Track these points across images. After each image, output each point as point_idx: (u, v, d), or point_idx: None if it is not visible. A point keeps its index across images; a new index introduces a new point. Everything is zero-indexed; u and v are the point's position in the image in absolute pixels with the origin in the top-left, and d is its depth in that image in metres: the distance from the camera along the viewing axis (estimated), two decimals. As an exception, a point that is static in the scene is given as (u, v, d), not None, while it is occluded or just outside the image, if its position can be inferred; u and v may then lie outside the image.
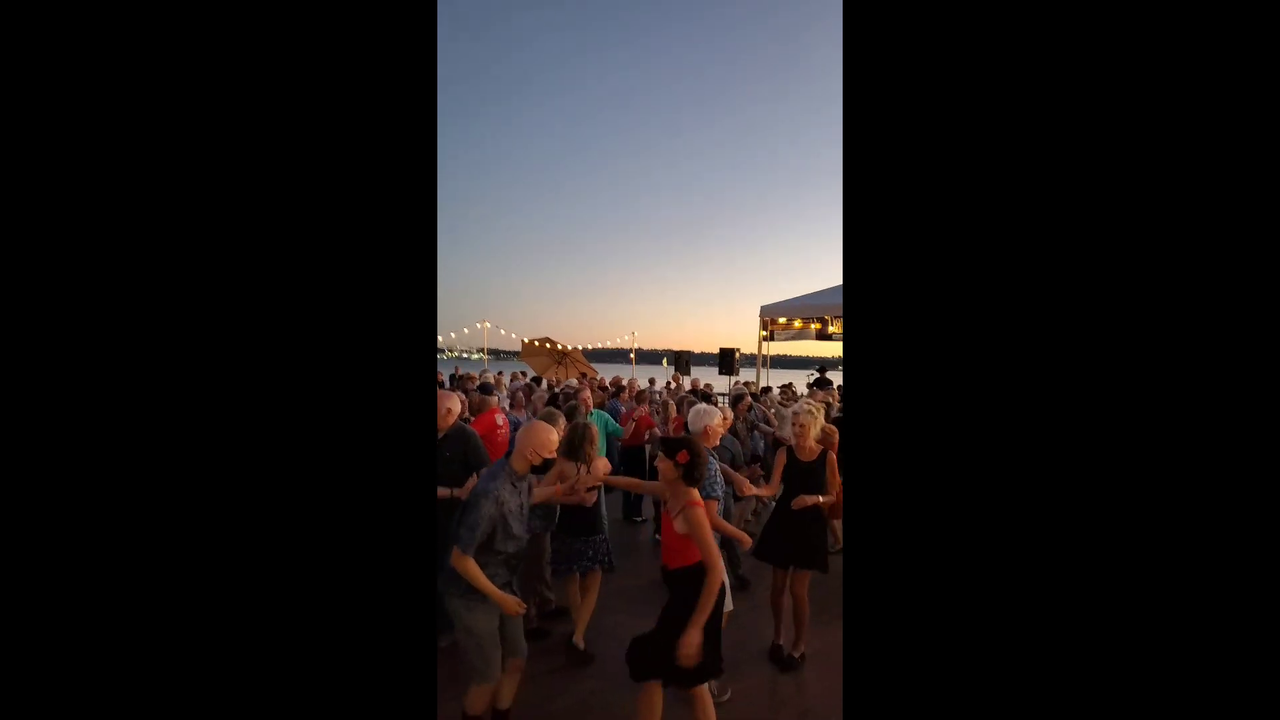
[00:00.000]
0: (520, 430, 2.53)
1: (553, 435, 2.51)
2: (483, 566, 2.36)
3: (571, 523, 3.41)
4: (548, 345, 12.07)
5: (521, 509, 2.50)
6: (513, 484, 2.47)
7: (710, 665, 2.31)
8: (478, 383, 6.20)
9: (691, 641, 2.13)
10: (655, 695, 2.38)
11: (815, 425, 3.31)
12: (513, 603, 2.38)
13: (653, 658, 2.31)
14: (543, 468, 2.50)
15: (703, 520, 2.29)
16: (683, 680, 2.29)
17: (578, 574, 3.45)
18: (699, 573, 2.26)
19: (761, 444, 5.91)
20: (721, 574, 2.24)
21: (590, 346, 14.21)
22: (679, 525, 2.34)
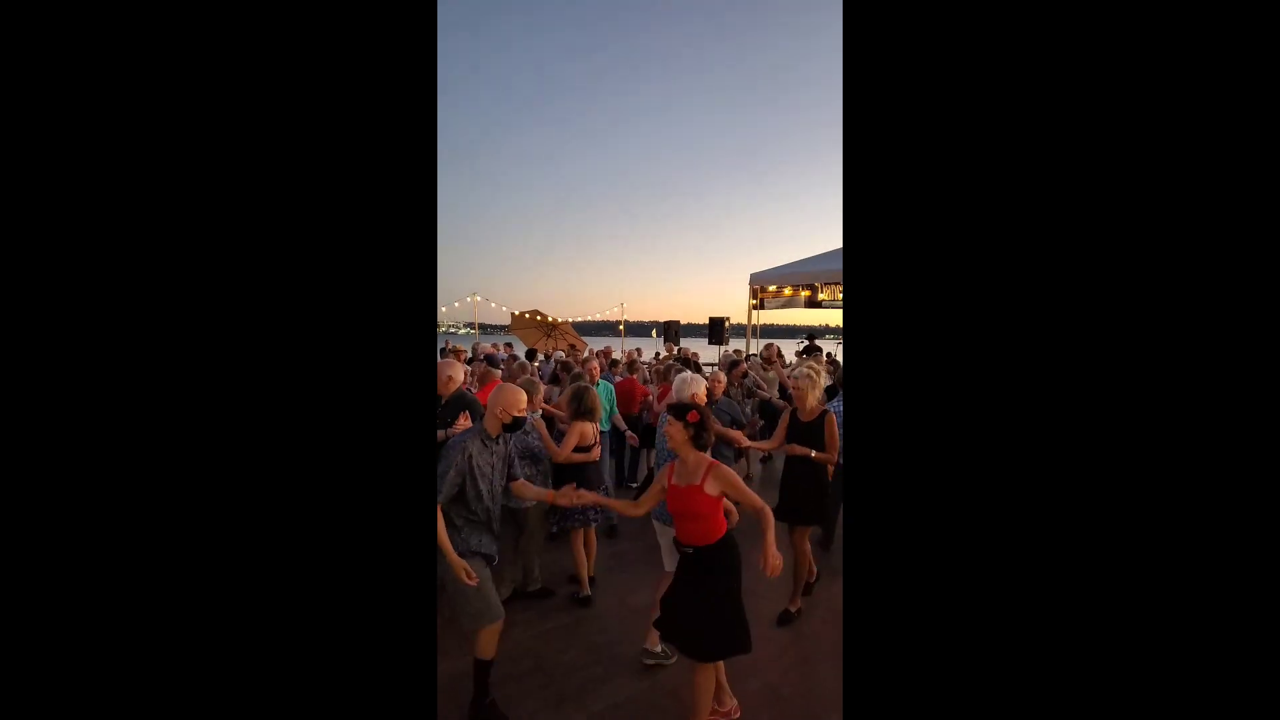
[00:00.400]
0: (491, 393, 2.59)
1: (521, 396, 2.57)
2: (458, 527, 2.45)
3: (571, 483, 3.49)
4: (537, 317, 12.03)
5: (494, 471, 2.55)
6: (483, 442, 2.52)
7: (737, 641, 2.34)
8: (466, 356, 6.22)
9: (773, 556, 2.13)
10: (707, 672, 2.40)
11: (815, 388, 3.38)
12: (461, 568, 2.37)
13: (686, 631, 2.36)
14: (512, 426, 2.56)
15: (731, 473, 2.34)
16: (707, 656, 2.33)
17: (580, 530, 3.60)
18: (724, 547, 2.34)
19: (749, 406, 6.01)
20: (770, 514, 2.28)
21: (579, 319, 14.14)
22: (711, 487, 2.33)
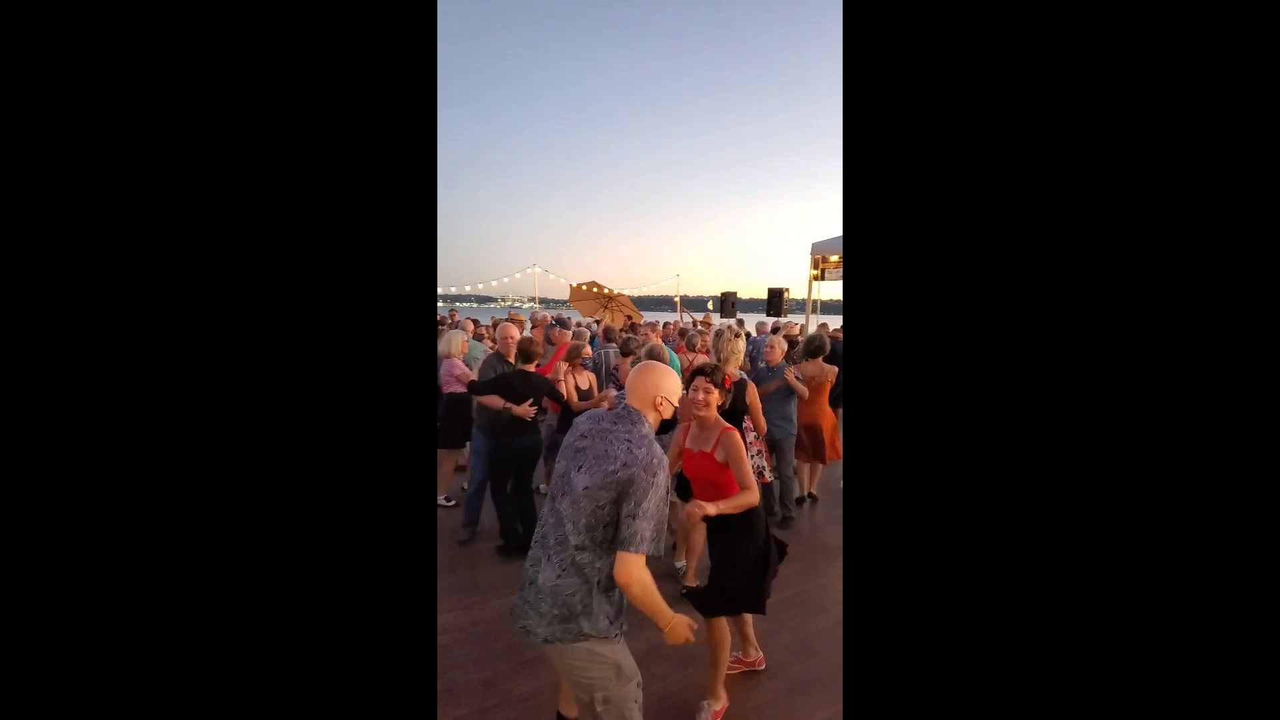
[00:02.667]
0: (634, 375, 1.75)
1: (676, 378, 1.78)
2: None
3: None
4: (595, 289, 12.18)
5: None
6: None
7: (750, 599, 2.34)
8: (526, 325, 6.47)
9: (696, 513, 1.97)
10: (720, 625, 2.38)
11: (736, 356, 3.35)
12: (684, 625, 1.66)
13: (706, 596, 2.36)
14: (672, 422, 1.94)
15: (738, 443, 2.25)
16: (708, 611, 2.32)
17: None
18: (741, 518, 2.27)
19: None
20: (757, 497, 2.19)
21: (637, 292, 14.24)
22: (719, 454, 2.26)
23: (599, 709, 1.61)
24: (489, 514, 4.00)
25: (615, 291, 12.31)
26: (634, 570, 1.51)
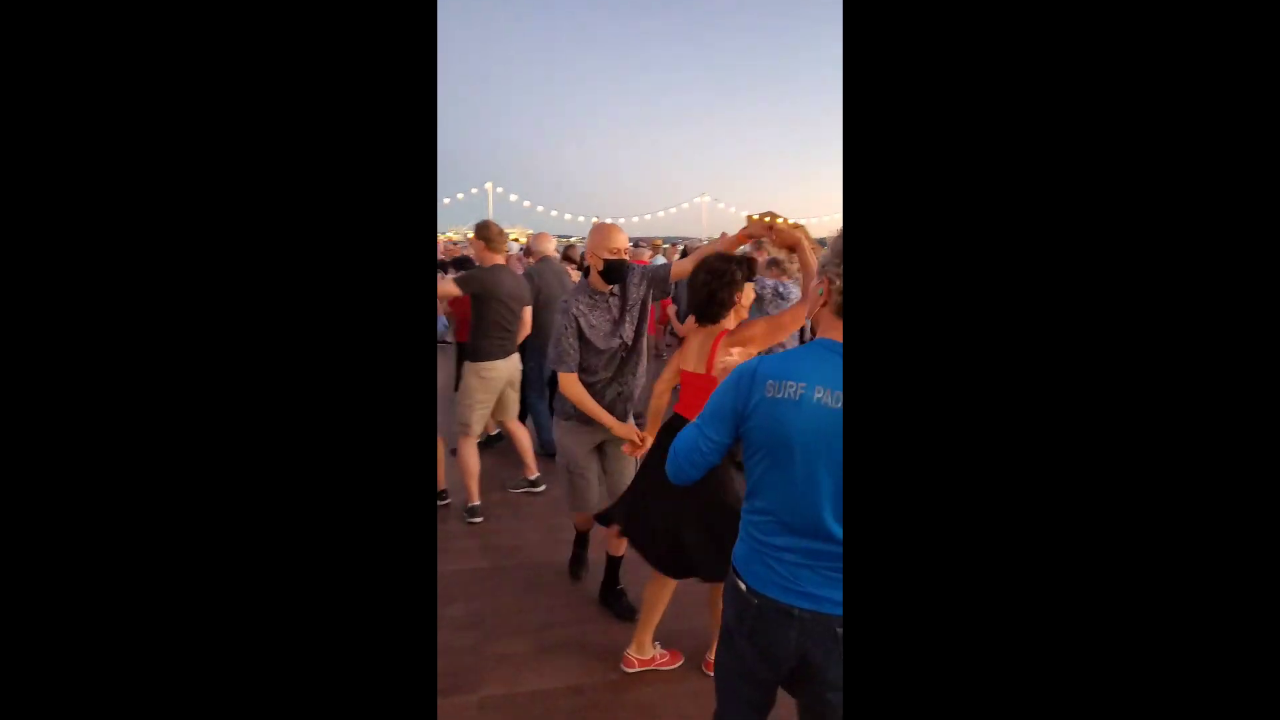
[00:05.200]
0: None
1: (615, 234, 2.32)
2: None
3: None
4: (767, 218, 11.72)
5: (609, 326, 2.34)
6: (590, 296, 2.31)
7: (711, 567, 1.97)
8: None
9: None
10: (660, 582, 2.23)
11: None
12: (614, 424, 2.30)
13: (646, 530, 2.10)
14: (609, 271, 2.26)
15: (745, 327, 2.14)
16: (657, 565, 2.11)
17: None
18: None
19: None
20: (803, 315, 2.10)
21: (818, 219, 13.41)
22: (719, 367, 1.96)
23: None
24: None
25: (796, 223, 11.81)
26: (562, 384, 2.35)
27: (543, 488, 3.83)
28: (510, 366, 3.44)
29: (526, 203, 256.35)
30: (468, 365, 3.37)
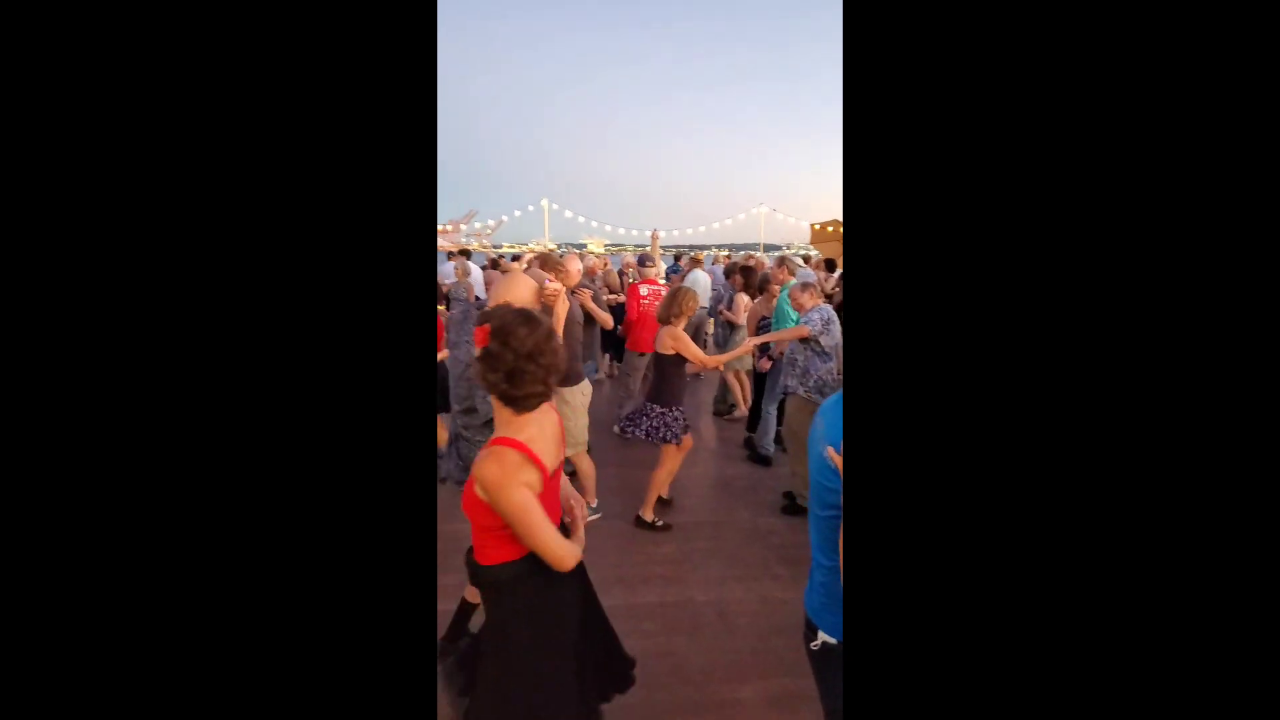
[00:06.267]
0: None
1: (520, 285, 2.58)
2: (470, 441, 2.75)
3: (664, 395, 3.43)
4: (828, 229, 10.49)
5: None
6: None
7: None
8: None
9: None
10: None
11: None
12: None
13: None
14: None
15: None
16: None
17: (671, 444, 3.42)
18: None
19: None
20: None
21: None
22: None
23: None
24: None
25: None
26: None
27: (600, 514, 3.68)
28: (587, 387, 3.58)
29: (581, 218, 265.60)
30: (561, 391, 3.38)
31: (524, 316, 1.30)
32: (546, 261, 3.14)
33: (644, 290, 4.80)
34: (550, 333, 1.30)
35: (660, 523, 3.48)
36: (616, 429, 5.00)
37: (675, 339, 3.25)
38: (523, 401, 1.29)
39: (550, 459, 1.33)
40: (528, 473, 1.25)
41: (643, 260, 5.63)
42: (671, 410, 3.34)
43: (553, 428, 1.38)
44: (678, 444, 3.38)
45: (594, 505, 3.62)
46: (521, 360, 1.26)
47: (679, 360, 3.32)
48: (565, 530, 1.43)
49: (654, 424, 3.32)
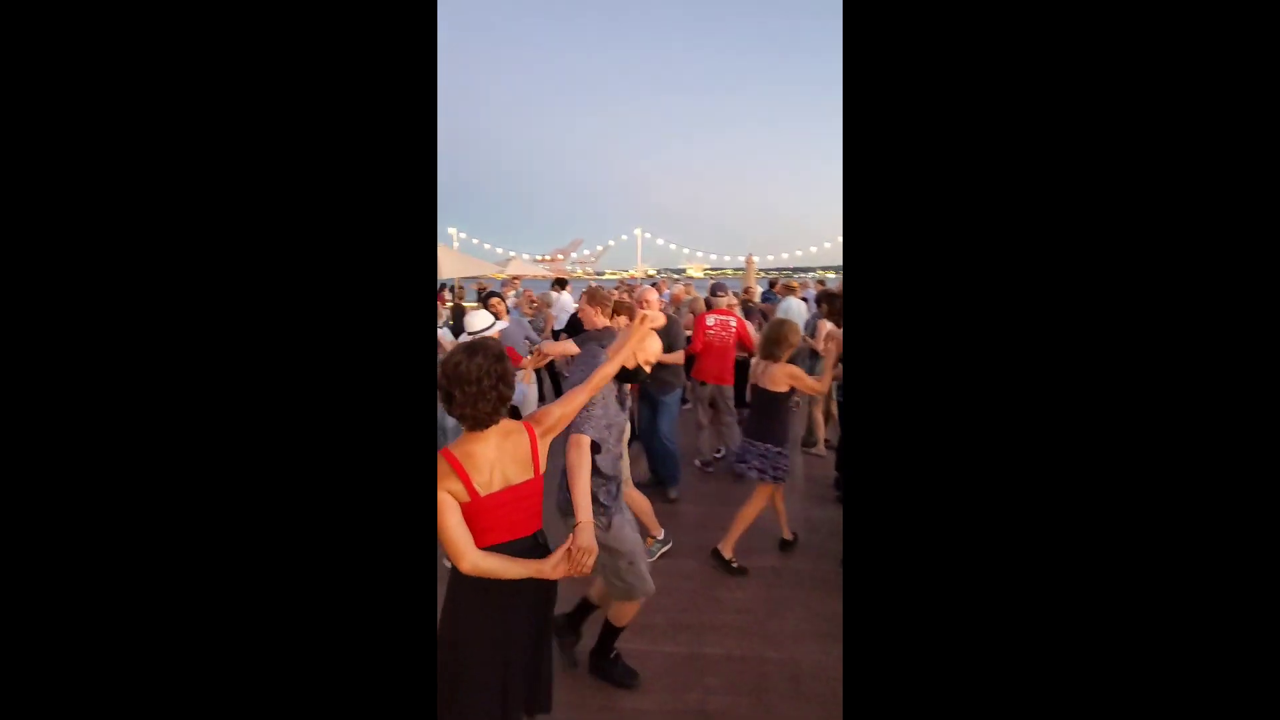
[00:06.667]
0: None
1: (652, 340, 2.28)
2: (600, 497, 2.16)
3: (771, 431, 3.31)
4: None
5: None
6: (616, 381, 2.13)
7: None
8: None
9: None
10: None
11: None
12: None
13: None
14: (628, 375, 2.16)
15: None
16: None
17: (777, 484, 3.29)
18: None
19: None
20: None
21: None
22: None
23: None
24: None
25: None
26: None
27: (670, 544, 3.57)
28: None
29: (673, 245, 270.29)
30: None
31: (469, 348, 1.47)
32: (594, 296, 3.13)
33: (710, 320, 4.73)
34: (491, 365, 1.45)
35: (737, 564, 3.32)
36: (698, 463, 4.72)
37: (793, 377, 3.19)
38: (462, 420, 1.47)
39: (488, 475, 1.49)
40: (450, 482, 1.44)
41: (714, 289, 5.43)
42: (783, 449, 3.29)
43: (514, 449, 1.53)
44: (784, 483, 3.33)
45: (660, 537, 3.55)
46: (452, 385, 1.43)
47: (789, 396, 3.29)
48: (534, 543, 1.57)
49: (768, 463, 3.26)
